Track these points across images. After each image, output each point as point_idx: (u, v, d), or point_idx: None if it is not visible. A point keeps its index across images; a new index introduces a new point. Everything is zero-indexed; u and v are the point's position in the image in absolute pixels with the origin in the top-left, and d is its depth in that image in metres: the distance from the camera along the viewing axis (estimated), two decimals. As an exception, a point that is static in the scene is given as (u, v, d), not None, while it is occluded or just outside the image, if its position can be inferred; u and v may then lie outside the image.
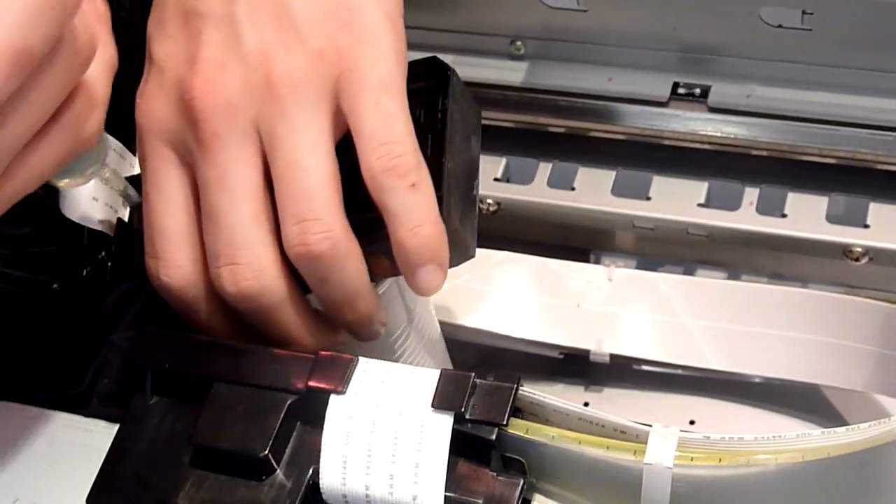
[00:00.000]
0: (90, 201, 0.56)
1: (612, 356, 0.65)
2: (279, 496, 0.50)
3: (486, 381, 0.50)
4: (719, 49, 0.69)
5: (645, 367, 0.68)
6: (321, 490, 0.50)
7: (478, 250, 0.66)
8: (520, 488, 0.49)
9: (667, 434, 0.48)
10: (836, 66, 0.67)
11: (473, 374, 0.50)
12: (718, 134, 0.68)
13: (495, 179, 0.73)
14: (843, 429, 0.48)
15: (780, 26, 0.66)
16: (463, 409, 0.49)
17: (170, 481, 0.51)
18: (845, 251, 0.66)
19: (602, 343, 0.65)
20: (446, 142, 0.53)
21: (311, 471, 0.50)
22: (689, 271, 0.75)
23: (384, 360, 0.51)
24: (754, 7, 0.65)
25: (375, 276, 0.54)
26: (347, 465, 0.49)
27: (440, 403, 0.49)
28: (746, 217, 0.68)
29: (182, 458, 0.52)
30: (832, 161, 0.67)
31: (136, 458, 0.52)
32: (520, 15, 0.72)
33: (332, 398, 0.50)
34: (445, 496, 0.48)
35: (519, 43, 0.73)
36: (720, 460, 0.48)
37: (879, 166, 0.66)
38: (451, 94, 0.54)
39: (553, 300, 0.68)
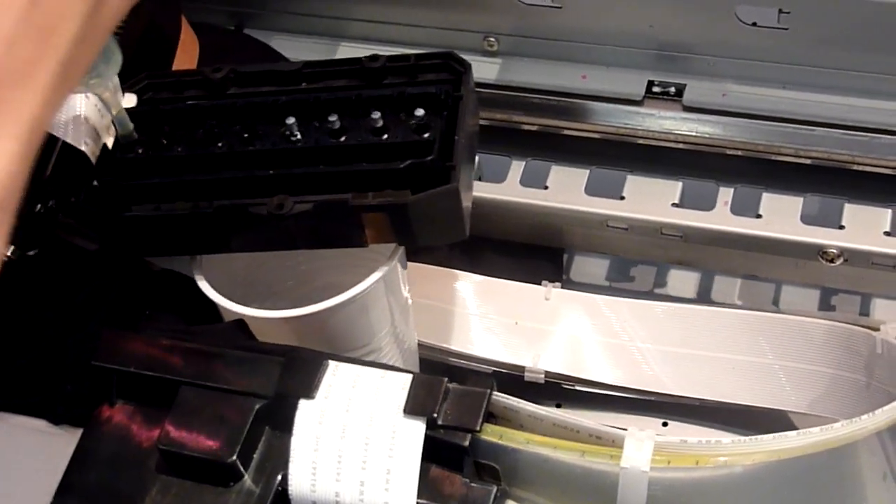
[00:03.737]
0: (78, 119, 0.55)
1: (548, 374, 0.65)
2: (247, 503, 0.49)
3: (458, 385, 0.49)
4: (695, 47, 0.68)
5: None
6: (290, 497, 0.49)
7: (418, 265, 0.66)
8: (493, 495, 0.48)
9: (643, 438, 0.47)
10: (813, 65, 0.66)
11: (446, 379, 0.49)
12: (693, 133, 0.68)
13: (467, 177, 0.71)
14: (817, 429, 0.48)
15: (755, 25, 0.65)
16: (435, 415, 0.48)
17: (135, 487, 0.50)
18: (820, 252, 0.66)
19: (538, 360, 0.65)
20: (458, 132, 0.55)
21: (279, 477, 0.49)
22: (662, 272, 0.74)
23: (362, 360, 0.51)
24: (731, 5, 0.64)
25: (368, 238, 0.54)
26: (317, 472, 0.48)
27: (412, 409, 0.48)
28: (721, 217, 0.67)
29: (148, 463, 0.50)
30: (807, 161, 0.66)
31: (101, 464, 0.51)
32: (493, 11, 0.70)
33: (302, 403, 0.49)
34: (417, 503, 0.47)
35: (492, 39, 0.71)
36: (697, 463, 0.47)
37: (855, 167, 0.66)
38: (465, 83, 0.56)
39: (492, 317, 0.67)
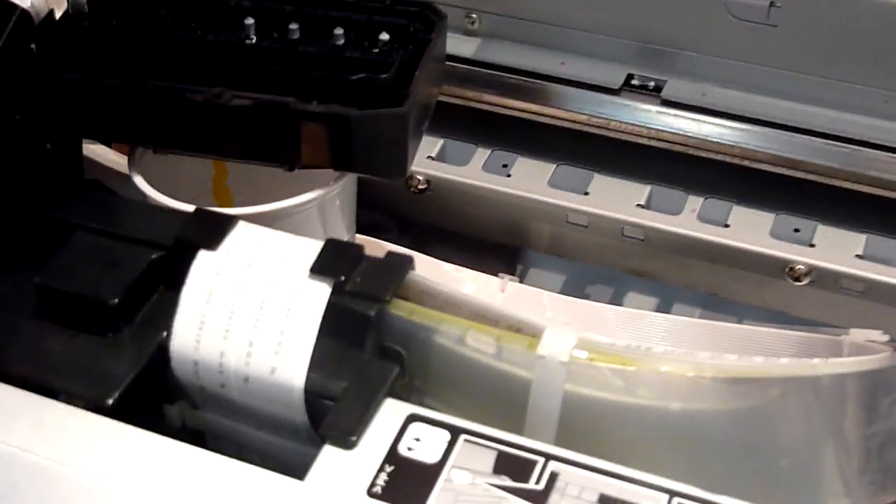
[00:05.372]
0: None
1: None
2: (121, 355, 0.44)
3: (377, 257, 0.45)
4: (678, 43, 0.65)
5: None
6: (171, 354, 0.44)
7: (376, 241, 0.65)
8: (393, 375, 0.43)
9: (565, 331, 0.43)
10: (799, 71, 0.63)
11: (363, 247, 0.45)
12: (668, 129, 0.64)
13: (429, 157, 0.68)
14: (759, 359, 0.44)
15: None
16: (344, 280, 0.43)
17: (6, 329, 0.45)
18: (787, 269, 0.62)
19: None
20: (420, 67, 0.52)
21: (163, 334, 0.44)
22: (620, 291, 0.70)
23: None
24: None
25: (303, 156, 0.51)
26: (204, 327, 0.43)
27: (319, 269, 0.44)
28: (686, 222, 0.64)
29: (25, 308, 0.46)
30: (784, 171, 0.63)
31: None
32: (478, -11, 0.69)
33: (201, 253, 0.45)
34: (307, 375, 0.42)
35: (474, 16, 0.69)
36: (623, 364, 0.42)
37: (833, 182, 0.62)
38: (437, 30, 0.54)
39: None
